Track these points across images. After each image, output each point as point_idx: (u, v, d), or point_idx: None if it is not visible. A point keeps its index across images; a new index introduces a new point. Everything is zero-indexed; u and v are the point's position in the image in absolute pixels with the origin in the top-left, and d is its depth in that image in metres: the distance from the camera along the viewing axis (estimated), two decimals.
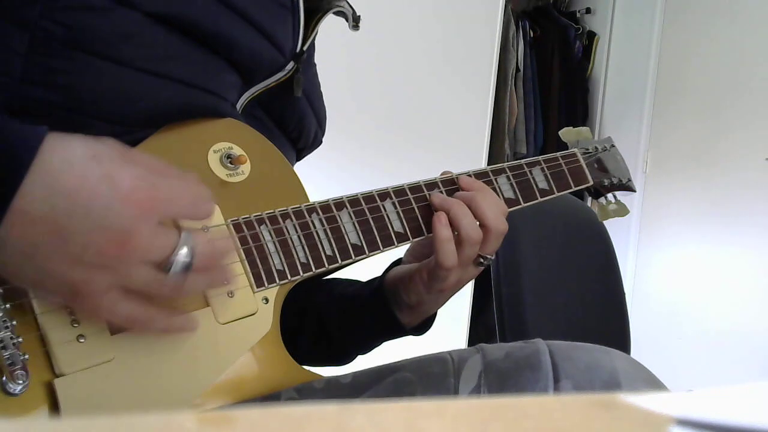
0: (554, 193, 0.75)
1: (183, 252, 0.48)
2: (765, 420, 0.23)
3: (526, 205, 0.73)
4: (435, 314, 0.75)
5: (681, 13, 3.10)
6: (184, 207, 0.50)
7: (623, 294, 1.43)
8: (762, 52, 2.76)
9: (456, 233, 0.65)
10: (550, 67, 3.21)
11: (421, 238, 0.68)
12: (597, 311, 1.37)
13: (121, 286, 0.47)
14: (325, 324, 0.76)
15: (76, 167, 0.46)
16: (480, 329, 2.58)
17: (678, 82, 3.08)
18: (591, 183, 0.79)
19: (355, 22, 0.74)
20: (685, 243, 2.95)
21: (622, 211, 0.82)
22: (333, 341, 0.76)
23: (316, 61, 0.80)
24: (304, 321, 0.76)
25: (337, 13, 0.74)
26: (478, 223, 0.66)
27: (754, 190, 2.70)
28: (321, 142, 0.80)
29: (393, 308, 0.71)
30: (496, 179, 0.72)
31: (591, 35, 3.37)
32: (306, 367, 0.64)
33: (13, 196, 0.44)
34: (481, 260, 0.67)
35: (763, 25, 2.76)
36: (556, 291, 1.29)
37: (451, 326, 2.36)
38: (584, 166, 0.79)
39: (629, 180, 0.83)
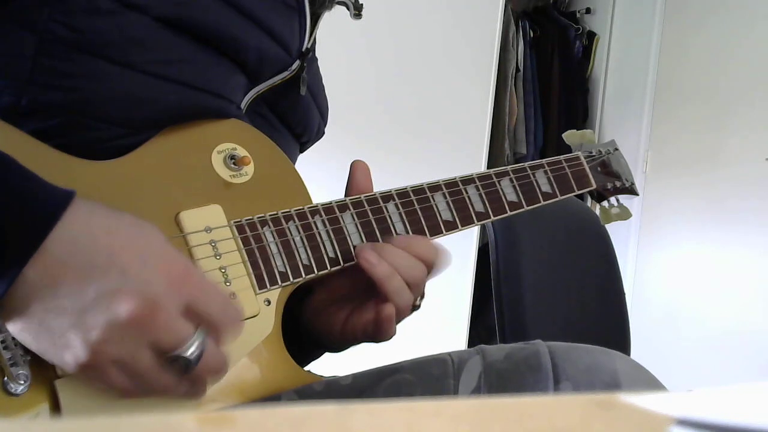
0: (557, 197, 0.75)
1: (191, 350, 0.46)
2: (765, 420, 0.23)
3: (528, 208, 0.73)
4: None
5: (681, 13, 3.10)
6: (211, 303, 0.48)
7: (623, 294, 1.43)
8: (762, 52, 2.76)
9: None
10: (550, 67, 3.21)
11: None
12: (597, 312, 1.38)
13: (121, 360, 0.45)
14: None
15: (123, 227, 0.46)
16: (480, 330, 2.58)
17: (678, 82, 3.08)
18: (594, 187, 0.79)
19: (357, 10, 0.74)
20: (685, 243, 2.95)
21: (624, 214, 0.82)
22: None
23: (317, 56, 0.81)
24: None
25: (338, 3, 0.74)
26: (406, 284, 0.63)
27: (755, 190, 2.70)
28: (324, 133, 0.81)
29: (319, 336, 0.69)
30: (499, 181, 0.72)
31: (591, 35, 3.37)
32: (307, 369, 0.64)
33: (46, 236, 0.43)
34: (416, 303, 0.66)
35: (763, 25, 2.76)
36: (556, 292, 1.30)
37: (451, 327, 2.36)
38: (588, 169, 0.79)
39: (632, 183, 0.83)
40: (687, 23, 3.07)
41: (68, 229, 0.44)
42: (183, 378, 0.47)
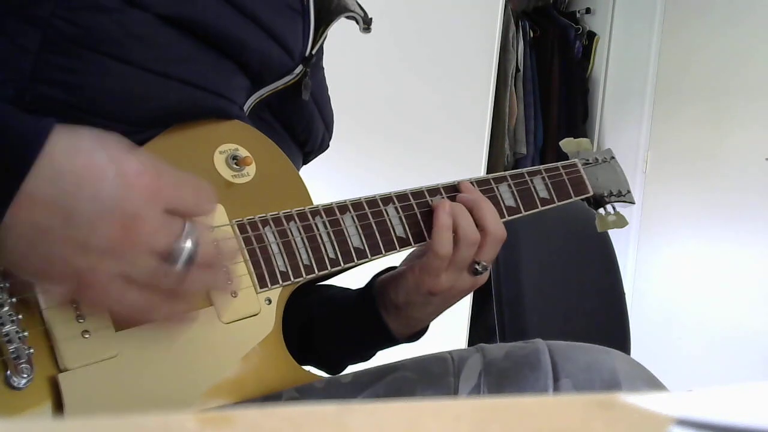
0: (554, 203, 0.76)
1: (188, 243, 0.47)
2: (765, 420, 0.23)
3: (526, 213, 0.74)
4: (426, 327, 0.73)
5: (681, 13, 3.10)
6: (188, 199, 0.49)
7: (623, 294, 1.43)
8: (762, 53, 2.76)
9: (454, 234, 0.65)
10: (550, 67, 3.21)
11: (423, 243, 0.68)
12: (597, 311, 1.38)
13: (126, 274, 0.46)
14: (314, 326, 0.74)
15: (83, 152, 0.46)
16: (480, 329, 2.58)
17: (678, 83, 3.08)
18: (591, 193, 0.80)
19: (366, 24, 0.74)
20: (685, 243, 2.95)
21: (620, 222, 0.83)
22: (321, 345, 0.74)
23: (323, 66, 0.80)
24: (294, 322, 0.75)
25: (347, 17, 0.74)
26: (476, 225, 0.66)
27: (754, 189, 2.70)
28: (328, 146, 0.80)
29: (380, 309, 0.69)
30: (497, 187, 0.73)
31: (591, 35, 3.37)
32: (307, 368, 0.64)
33: (22, 181, 0.43)
34: (476, 267, 0.66)
35: (764, 25, 2.76)
36: (556, 292, 1.30)
37: (451, 326, 2.36)
38: (585, 176, 0.80)
39: (628, 192, 0.84)
40: (687, 23, 3.07)
41: (41, 166, 0.44)
42: (192, 273, 0.48)
